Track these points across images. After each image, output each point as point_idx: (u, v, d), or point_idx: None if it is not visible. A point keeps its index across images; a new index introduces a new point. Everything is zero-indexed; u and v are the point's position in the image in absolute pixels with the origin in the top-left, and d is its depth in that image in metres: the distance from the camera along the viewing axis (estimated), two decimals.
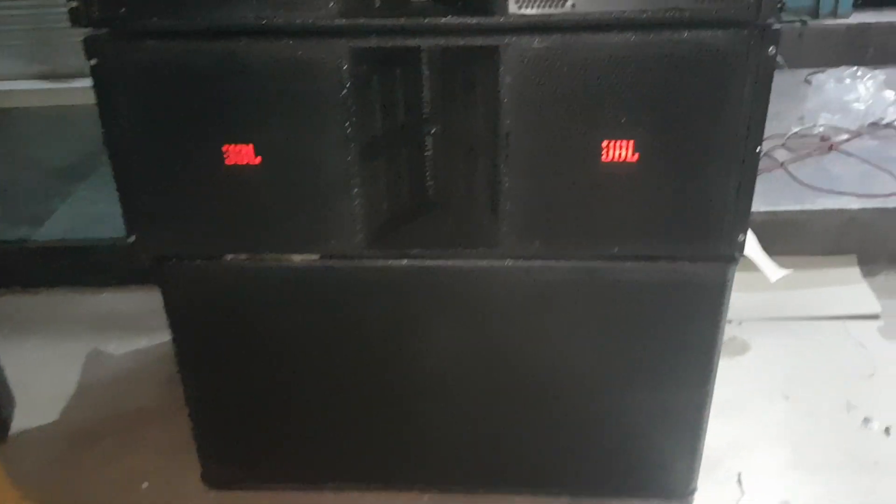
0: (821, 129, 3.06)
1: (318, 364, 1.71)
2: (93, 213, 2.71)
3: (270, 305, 1.67)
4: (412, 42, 1.43)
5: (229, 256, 1.64)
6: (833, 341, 2.36)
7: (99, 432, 2.11)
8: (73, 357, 2.41)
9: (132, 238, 1.61)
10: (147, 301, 2.57)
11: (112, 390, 2.28)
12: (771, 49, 1.35)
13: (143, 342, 2.48)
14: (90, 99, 3.52)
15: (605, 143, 1.43)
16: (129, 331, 2.50)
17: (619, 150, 1.43)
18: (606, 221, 1.49)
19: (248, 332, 1.70)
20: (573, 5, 1.35)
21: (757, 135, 1.42)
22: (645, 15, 1.35)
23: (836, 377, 2.21)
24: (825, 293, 2.53)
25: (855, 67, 3.34)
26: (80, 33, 3.58)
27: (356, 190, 1.51)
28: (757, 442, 2.01)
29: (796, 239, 2.60)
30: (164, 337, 2.40)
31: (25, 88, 3.72)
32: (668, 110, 1.41)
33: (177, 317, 1.70)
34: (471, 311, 1.61)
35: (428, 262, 1.59)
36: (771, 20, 1.35)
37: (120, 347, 2.45)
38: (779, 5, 1.34)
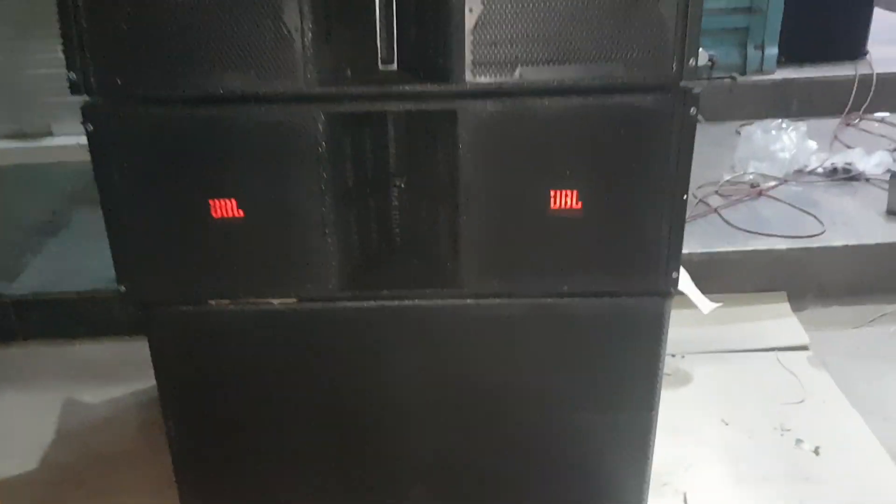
0: (750, 176, 3.33)
1: (298, 401, 1.84)
2: (64, 266, 2.80)
3: (251, 347, 1.80)
4: (380, 107, 1.61)
5: (213, 302, 1.77)
6: (767, 371, 2.57)
7: (80, 476, 2.18)
8: (50, 407, 2.48)
9: (122, 287, 1.73)
10: (119, 351, 2.67)
11: (90, 436, 2.35)
12: (692, 110, 1.56)
13: (117, 391, 2.56)
14: (58, 157, 3.64)
15: (552, 193, 1.62)
16: (102, 380, 2.58)
17: (565, 199, 1.63)
18: (556, 262, 1.68)
19: (229, 373, 1.82)
20: (520, 75, 1.55)
21: (683, 183, 1.62)
22: (583, 82, 1.55)
23: (771, 403, 2.41)
24: (758, 327, 2.74)
25: (780, 119, 3.64)
26: (49, 94, 3.70)
27: (330, 238, 1.67)
28: (700, 462, 2.19)
29: (731, 277, 2.82)
30: (138, 385, 2.50)
31: None
32: (606, 164, 1.61)
33: (162, 360, 1.82)
34: (436, 345, 1.77)
35: (396, 303, 1.74)
36: (691, 85, 1.56)
37: (95, 396, 2.53)
38: (693, 62, 1.54)
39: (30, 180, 3.56)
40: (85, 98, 1.60)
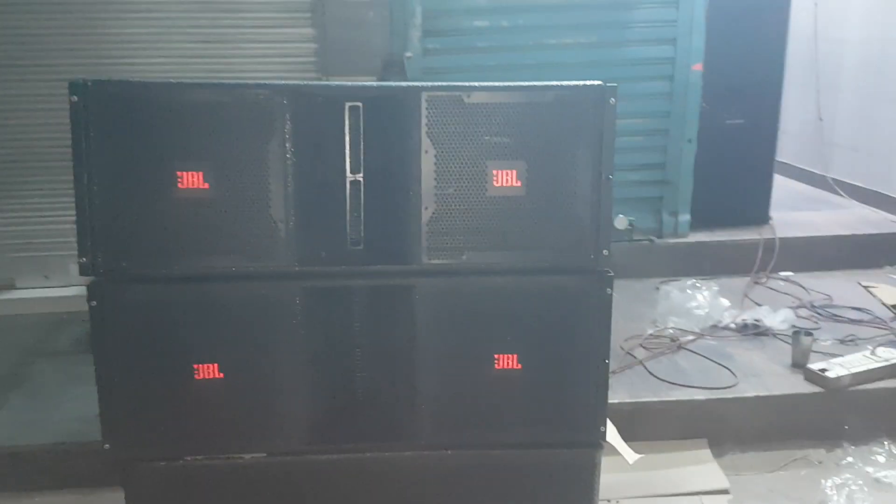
0: (671, 330, 3.67)
1: None
2: (27, 419, 2.89)
3: (222, 498, 1.96)
4: (349, 283, 1.90)
5: (189, 458, 1.94)
6: None
7: None
8: None
9: (107, 445, 1.89)
10: (80, 503, 2.72)
11: None
12: (608, 289, 1.88)
13: None
14: (21, 310, 3.78)
15: (496, 356, 1.90)
16: None
17: (507, 361, 1.90)
18: (500, 416, 1.93)
19: None
20: (467, 258, 1.86)
21: (604, 348, 1.92)
22: (519, 264, 1.88)
23: None
24: (683, 472, 2.97)
25: (694, 279, 4.03)
26: (13, 250, 3.84)
27: (299, 396, 1.90)
28: None
29: (656, 425, 3.06)
30: None
31: None
32: (540, 332, 1.91)
33: None
34: (396, 492, 1.96)
35: (358, 455, 1.95)
36: (606, 269, 1.89)
37: None
38: (606, 252, 1.87)
39: None
40: (92, 279, 1.81)
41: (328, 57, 3.79)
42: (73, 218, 1.80)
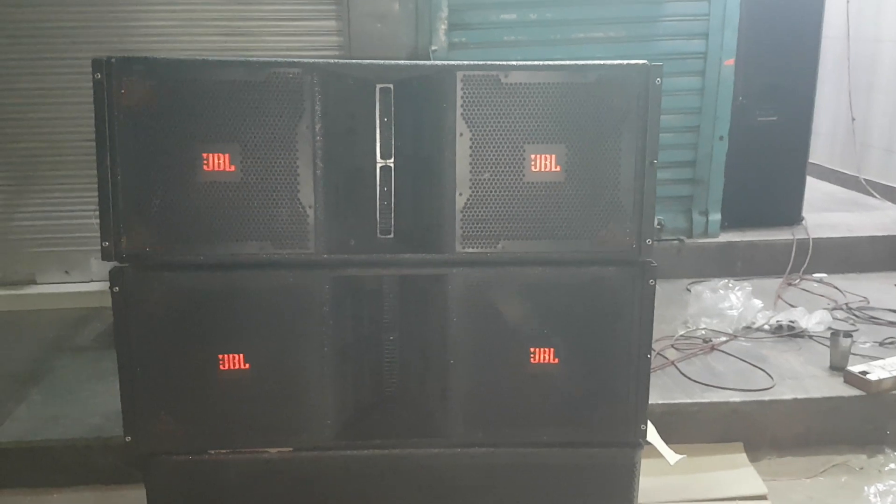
0: (702, 331, 3.57)
1: None
2: (47, 414, 2.84)
3: (246, 494, 1.89)
4: (380, 272, 1.82)
5: (212, 451, 1.87)
6: None
7: None
8: None
9: (128, 437, 1.83)
10: (99, 500, 2.68)
11: None
12: (651, 281, 1.80)
13: None
14: (41, 305, 3.75)
15: (532, 350, 1.82)
16: None
17: (544, 355, 1.82)
18: (536, 413, 1.84)
19: None
20: (503, 247, 1.78)
21: (646, 343, 1.84)
22: (557, 255, 1.79)
23: None
24: (719, 477, 2.88)
25: (726, 279, 3.93)
26: (34, 245, 3.83)
27: (327, 389, 1.82)
28: None
29: (689, 428, 2.97)
30: None
31: None
32: (579, 325, 1.83)
33: None
34: (424, 491, 1.88)
35: (387, 451, 1.88)
36: (649, 260, 1.81)
37: None
38: (649, 242, 1.78)
39: (13, 328, 3.64)
40: (115, 264, 1.76)
41: (352, 50, 3.73)
42: (95, 214, 1.75)
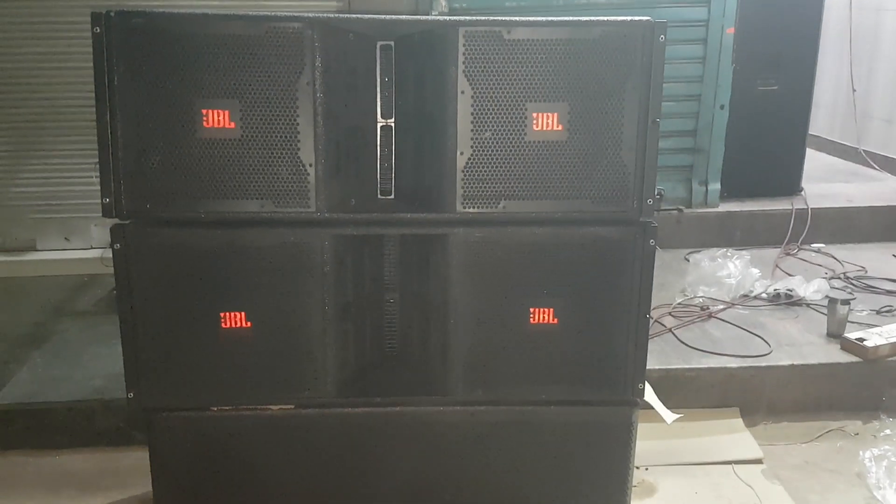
0: (700, 299, 3.58)
1: (294, 501, 1.93)
2: (49, 376, 2.86)
3: (249, 451, 1.91)
4: (380, 231, 1.82)
5: (214, 408, 1.89)
6: (724, 483, 2.70)
7: None
8: None
9: (131, 394, 1.84)
10: (100, 462, 2.70)
11: None
12: (651, 241, 1.80)
13: (96, 501, 2.57)
14: (43, 271, 3.74)
15: (532, 309, 1.82)
16: (84, 491, 2.58)
17: (543, 315, 1.83)
18: (535, 372, 1.86)
19: (227, 476, 1.91)
20: (504, 207, 1.78)
21: (646, 303, 1.85)
22: (558, 214, 1.79)
23: None
24: (715, 441, 2.90)
25: (725, 248, 3.93)
26: (35, 211, 3.83)
27: (329, 347, 1.83)
28: None
29: (686, 393, 2.99)
30: (118, 495, 2.53)
31: None
32: (578, 285, 1.83)
33: (161, 464, 1.91)
34: (425, 448, 1.90)
35: (388, 409, 1.89)
36: (650, 220, 1.81)
37: None
38: (650, 202, 1.78)
39: (14, 293, 3.65)
40: (116, 221, 1.75)
41: (352, 14, 3.69)
42: (95, 172, 1.74)
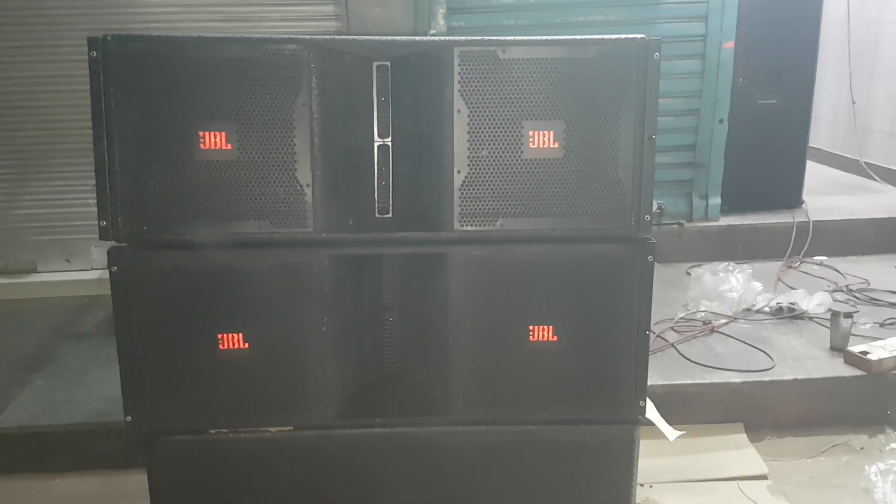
0: (702, 314, 3.57)
1: None
2: (50, 399, 2.86)
3: (247, 473, 1.89)
4: (379, 251, 1.82)
5: (213, 431, 1.88)
6: (729, 500, 2.68)
7: None
8: None
9: (129, 417, 1.83)
10: (102, 485, 2.70)
11: None
12: (649, 257, 1.79)
13: None
14: (43, 293, 3.75)
15: (531, 327, 1.82)
16: None
17: (543, 333, 1.82)
18: (536, 390, 1.84)
19: (227, 498, 1.90)
20: (501, 225, 1.78)
21: (645, 319, 1.84)
22: (555, 232, 1.79)
23: None
24: (719, 457, 2.88)
25: (727, 262, 3.93)
26: (36, 233, 3.83)
27: (328, 369, 1.83)
28: None
29: (690, 409, 2.98)
30: None
31: None
32: (578, 302, 1.82)
33: (159, 487, 1.89)
34: (426, 469, 1.89)
35: (388, 430, 1.88)
36: (648, 236, 1.81)
37: None
38: (648, 218, 1.78)
39: (15, 315, 3.65)
40: (113, 243, 1.75)
41: (351, 35, 3.72)
42: (93, 194, 1.74)
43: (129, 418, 1.83)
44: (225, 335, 1.79)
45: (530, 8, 3.91)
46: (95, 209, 1.74)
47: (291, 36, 1.66)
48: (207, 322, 1.79)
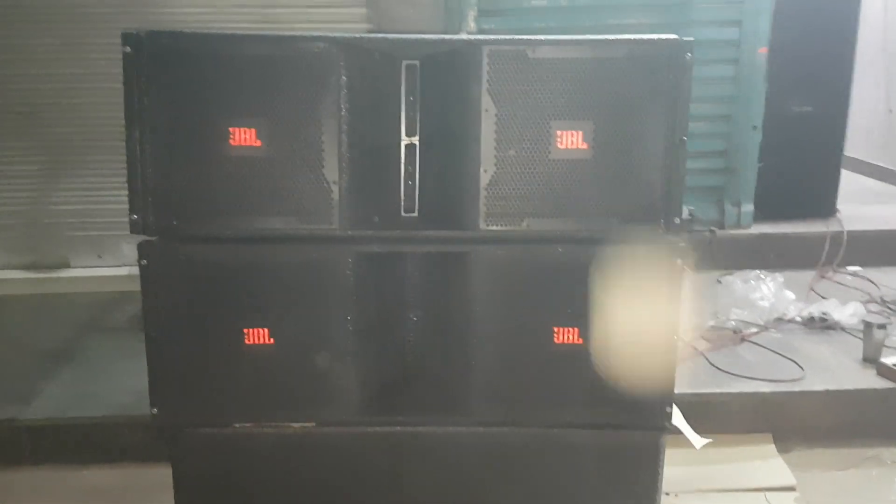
0: (733, 322, 3.52)
1: None
2: (77, 392, 2.89)
3: (270, 467, 1.90)
4: (403, 249, 1.82)
5: (237, 425, 1.89)
6: None
7: None
8: None
9: (155, 410, 1.85)
10: (126, 477, 2.72)
11: None
12: (678, 260, 1.77)
13: None
14: (74, 288, 3.80)
15: (556, 329, 1.80)
16: None
17: (568, 335, 1.80)
18: (559, 393, 1.83)
19: (248, 492, 1.91)
20: (527, 225, 1.77)
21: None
22: (582, 233, 1.78)
23: None
24: (747, 467, 2.84)
25: (758, 270, 3.87)
26: (69, 228, 3.89)
27: (351, 366, 1.83)
28: None
29: (718, 418, 2.93)
30: None
31: (12, 277, 3.98)
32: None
33: (183, 480, 1.91)
34: (446, 469, 1.88)
35: (410, 429, 1.87)
36: (678, 239, 1.78)
37: None
38: (678, 220, 1.76)
39: (47, 310, 3.71)
40: (143, 237, 1.77)
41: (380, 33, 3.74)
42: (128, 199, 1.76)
43: (154, 411, 1.84)
44: (251, 330, 1.80)
45: (562, 11, 3.89)
46: (127, 205, 1.76)
47: (320, 34, 1.67)
48: (233, 316, 1.80)
